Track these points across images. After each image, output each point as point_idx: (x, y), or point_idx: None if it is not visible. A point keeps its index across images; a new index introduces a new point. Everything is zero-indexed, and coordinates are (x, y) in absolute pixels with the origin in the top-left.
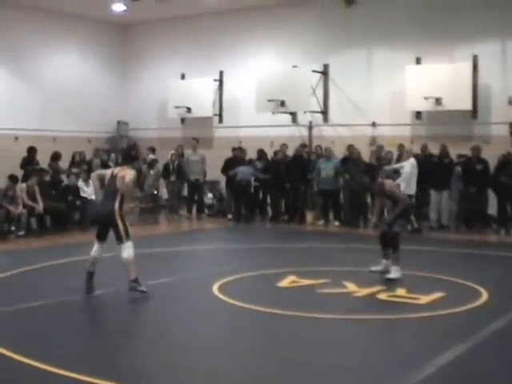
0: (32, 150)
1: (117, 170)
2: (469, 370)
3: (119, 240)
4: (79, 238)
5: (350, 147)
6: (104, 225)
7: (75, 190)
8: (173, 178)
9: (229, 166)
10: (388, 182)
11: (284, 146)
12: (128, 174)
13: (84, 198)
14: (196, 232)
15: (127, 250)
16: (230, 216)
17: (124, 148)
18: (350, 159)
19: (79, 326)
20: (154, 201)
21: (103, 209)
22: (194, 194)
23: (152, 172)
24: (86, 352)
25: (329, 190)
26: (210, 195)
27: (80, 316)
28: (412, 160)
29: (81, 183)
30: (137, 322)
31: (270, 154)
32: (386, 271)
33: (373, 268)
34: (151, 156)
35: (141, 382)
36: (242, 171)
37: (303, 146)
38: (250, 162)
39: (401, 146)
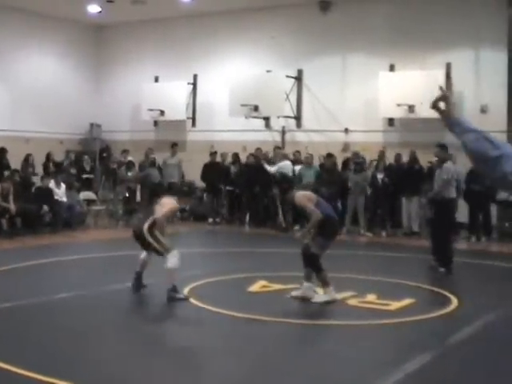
0: (2, 151)
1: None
2: (436, 377)
3: (160, 255)
4: (50, 239)
5: (327, 157)
6: (137, 238)
7: (47, 192)
8: None
9: (207, 171)
10: (299, 195)
11: (259, 150)
12: (168, 205)
13: (56, 199)
14: (169, 236)
15: (170, 260)
16: (210, 220)
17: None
18: (325, 168)
19: (47, 328)
20: (129, 203)
21: (136, 224)
22: None
23: (130, 174)
24: (52, 354)
25: None
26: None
27: (48, 318)
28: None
29: (52, 185)
30: (106, 324)
31: (242, 159)
32: (306, 296)
33: (293, 293)
34: (129, 158)
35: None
36: None
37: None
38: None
39: (381, 152)
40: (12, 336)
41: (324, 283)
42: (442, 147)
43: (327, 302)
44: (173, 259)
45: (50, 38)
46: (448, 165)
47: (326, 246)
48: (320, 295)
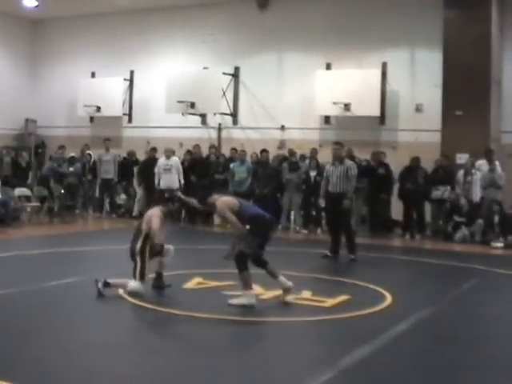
0: None
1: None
2: (370, 373)
3: (133, 276)
4: None
5: (262, 152)
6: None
7: None
8: (89, 177)
9: (146, 168)
10: (220, 203)
11: (197, 146)
12: (154, 215)
13: None
14: (107, 232)
15: (131, 285)
16: None
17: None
18: (260, 164)
19: None
20: (68, 199)
21: (130, 246)
22: (105, 193)
23: (72, 169)
24: None
25: (242, 193)
26: (123, 196)
27: None
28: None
29: None
30: (43, 321)
31: (178, 156)
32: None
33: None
34: (72, 154)
35: (45, 382)
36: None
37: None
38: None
39: (313, 150)
40: None
41: (245, 285)
42: (340, 145)
43: (243, 306)
44: (134, 286)
45: None
46: (350, 162)
47: (257, 245)
48: (237, 298)
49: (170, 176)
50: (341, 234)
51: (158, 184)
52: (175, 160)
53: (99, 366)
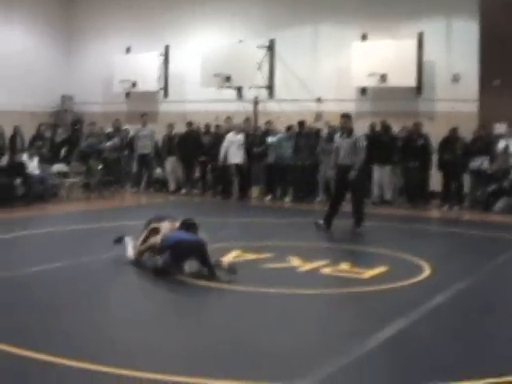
0: None
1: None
2: (410, 344)
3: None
4: (23, 213)
5: (301, 124)
6: None
7: (20, 166)
8: (126, 153)
9: (183, 143)
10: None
11: (229, 118)
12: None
13: (28, 173)
14: (144, 206)
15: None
16: (183, 190)
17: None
18: (301, 135)
19: (21, 301)
20: (106, 174)
21: None
22: (142, 168)
23: (110, 144)
24: (27, 326)
25: (275, 166)
26: (159, 170)
27: (22, 291)
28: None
29: (25, 158)
30: (73, 297)
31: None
32: None
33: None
34: (109, 129)
35: (80, 355)
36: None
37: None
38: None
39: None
40: None
41: None
42: (347, 117)
43: None
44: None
45: (20, 9)
46: (357, 134)
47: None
48: None
49: (237, 151)
50: (340, 207)
51: (225, 159)
52: (241, 136)
53: (132, 340)
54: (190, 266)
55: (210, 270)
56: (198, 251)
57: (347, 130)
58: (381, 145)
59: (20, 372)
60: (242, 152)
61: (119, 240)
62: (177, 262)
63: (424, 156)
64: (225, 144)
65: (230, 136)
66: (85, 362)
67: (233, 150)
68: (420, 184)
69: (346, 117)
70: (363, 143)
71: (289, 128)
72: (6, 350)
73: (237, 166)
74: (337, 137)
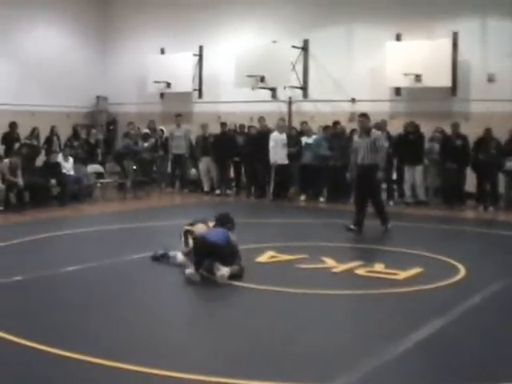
0: (13, 125)
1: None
2: (445, 345)
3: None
4: (58, 213)
5: (335, 125)
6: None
7: (55, 166)
8: (161, 153)
9: (218, 143)
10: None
11: (262, 118)
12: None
13: (63, 173)
14: (178, 207)
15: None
16: (217, 191)
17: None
18: (335, 135)
19: (55, 301)
20: (141, 175)
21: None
22: (176, 169)
23: (146, 144)
24: (58, 326)
25: (310, 166)
26: (193, 170)
27: (56, 291)
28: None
29: (60, 159)
30: (112, 297)
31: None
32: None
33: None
34: (145, 130)
35: (117, 356)
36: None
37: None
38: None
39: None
40: (21, 309)
41: None
42: (365, 116)
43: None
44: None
45: (55, 10)
46: (377, 133)
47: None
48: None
49: (281, 151)
50: (366, 207)
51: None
52: (284, 135)
53: (163, 340)
54: (217, 267)
55: (230, 271)
56: (216, 252)
57: (365, 130)
58: (410, 145)
59: (52, 370)
60: (286, 152)
61: (161, 257)
62: (198, 258)
63: (462, 157)
64: (272, 143)
65: (275, 135)
66: (113, 361)
67: (277, 150)
68: (456, 185)
69: (363, 116)
70: (383, 142)
71: (325, 128)
72: (38, 348)
73: (279, 165)
74: (356, 137)
